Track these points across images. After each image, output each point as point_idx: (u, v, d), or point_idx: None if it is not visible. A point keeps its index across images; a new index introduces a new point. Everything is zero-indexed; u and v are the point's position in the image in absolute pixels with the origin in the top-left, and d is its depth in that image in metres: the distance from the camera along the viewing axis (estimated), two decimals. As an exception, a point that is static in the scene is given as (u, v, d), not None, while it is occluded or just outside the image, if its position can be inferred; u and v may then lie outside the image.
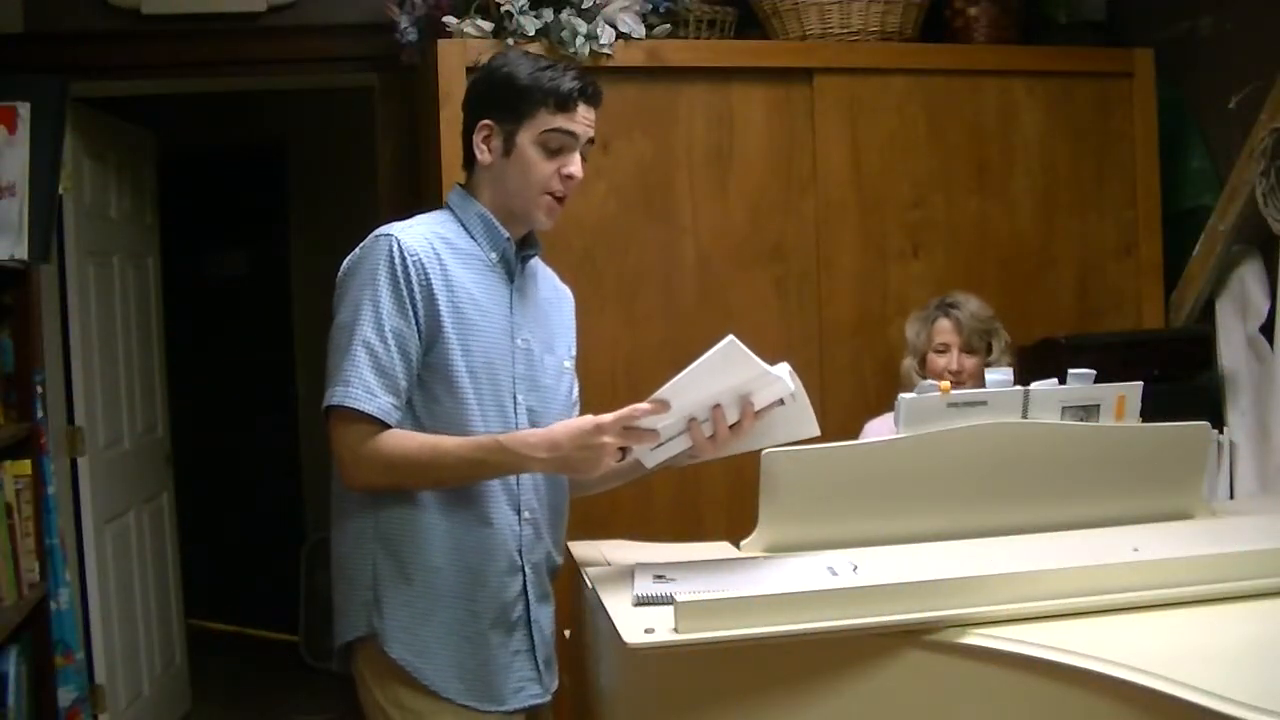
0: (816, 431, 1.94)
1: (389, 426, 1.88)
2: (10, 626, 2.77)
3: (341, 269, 1.97)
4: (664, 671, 1.71)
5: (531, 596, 1.99)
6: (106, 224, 3.94)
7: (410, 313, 1.89)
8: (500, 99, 1.97)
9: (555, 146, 1.96)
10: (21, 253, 3.01)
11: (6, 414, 2.97)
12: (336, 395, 1.88)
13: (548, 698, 2.04)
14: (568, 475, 2.00)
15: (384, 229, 1.96)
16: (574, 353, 2.17)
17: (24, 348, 3.05)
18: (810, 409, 1.91)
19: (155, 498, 4.22)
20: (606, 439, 1.81)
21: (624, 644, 1.60)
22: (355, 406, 1.86)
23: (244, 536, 5.36)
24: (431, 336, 1.91)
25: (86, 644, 3.52)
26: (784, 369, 1.85)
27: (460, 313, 1.93)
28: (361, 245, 1.96)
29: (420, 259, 1.91)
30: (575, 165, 1.98)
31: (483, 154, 1.99)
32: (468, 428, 1.91)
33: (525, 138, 1.96)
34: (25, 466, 2.95)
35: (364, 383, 1.86)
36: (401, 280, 1.89)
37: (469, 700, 1.93)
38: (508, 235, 2.01)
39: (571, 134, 1.97)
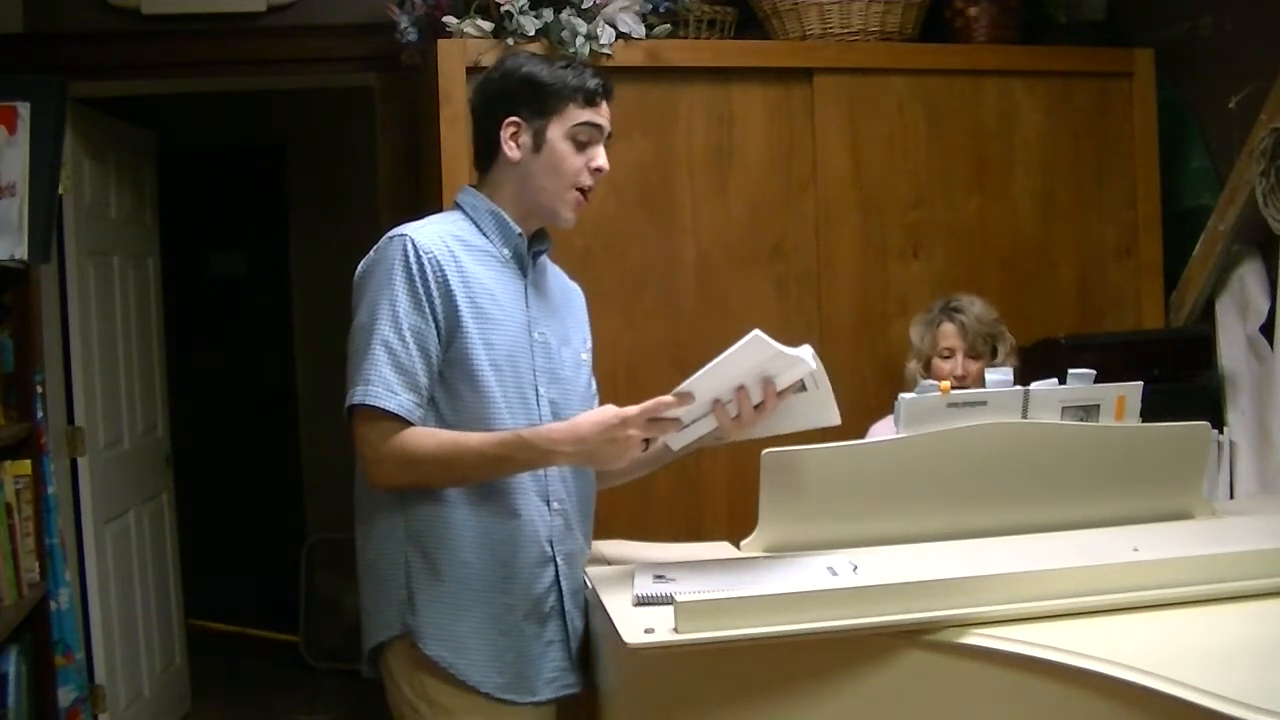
0: (838, 420, 1.94)
1: (411, 424, 1.89)
2: (10, 626, 2.76)
3: (357, 272, 1.99)
4: (664, 671, 1.71)
5: (564, 588, 2.00)
6: (106, 224, 3.93)
7: (428, 310, 1.91)
8: (527, 96, 2.00)
9: (584, 139, 2.01)
10: (21, 253, 3.01)
11: (6, 414, 2.97)
12: (357, 395, 1.89)
13: (579, 689, 2.05)
14: (592, 467, 2.01)
15: (397, 230, 1.97)
16: (589, 345, 2.19)
17: (24, 348, 3.05)
18: (832, 397, 1.92)
19: (155, 498, 4.22)
20: (632, 431, 1.82)
21: (624, 644, 1.60)
22: (376, 404, 1.87)
23: (244, 536, 5.36)
24: (451, 332, 1.93)
25: (86, 644, 3.52)
26: (806, 350, 1.85)
27: (479, 307, 1.95)
28: (376, 247, 1.97)
29: (435, 256, 1.93)
30: (602, 158, 2.03)
31: (511, 150, 2.01)
32: (492, 422, 1.93)
33: (556, 132, 2.00)
34: (25, 466, 2.95)
35: (384, 381, 1.88)
36: (417, 279, 1.91)
37: (506, 694, 1.94)
38: (520, 231, 2.03)
39: (599, 127, 2.02)
